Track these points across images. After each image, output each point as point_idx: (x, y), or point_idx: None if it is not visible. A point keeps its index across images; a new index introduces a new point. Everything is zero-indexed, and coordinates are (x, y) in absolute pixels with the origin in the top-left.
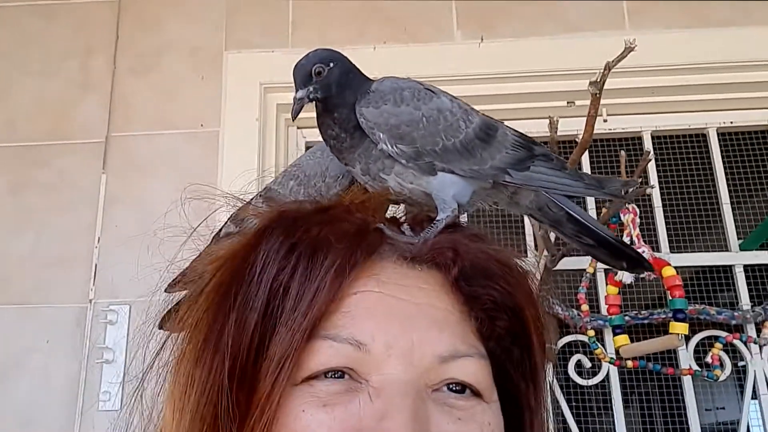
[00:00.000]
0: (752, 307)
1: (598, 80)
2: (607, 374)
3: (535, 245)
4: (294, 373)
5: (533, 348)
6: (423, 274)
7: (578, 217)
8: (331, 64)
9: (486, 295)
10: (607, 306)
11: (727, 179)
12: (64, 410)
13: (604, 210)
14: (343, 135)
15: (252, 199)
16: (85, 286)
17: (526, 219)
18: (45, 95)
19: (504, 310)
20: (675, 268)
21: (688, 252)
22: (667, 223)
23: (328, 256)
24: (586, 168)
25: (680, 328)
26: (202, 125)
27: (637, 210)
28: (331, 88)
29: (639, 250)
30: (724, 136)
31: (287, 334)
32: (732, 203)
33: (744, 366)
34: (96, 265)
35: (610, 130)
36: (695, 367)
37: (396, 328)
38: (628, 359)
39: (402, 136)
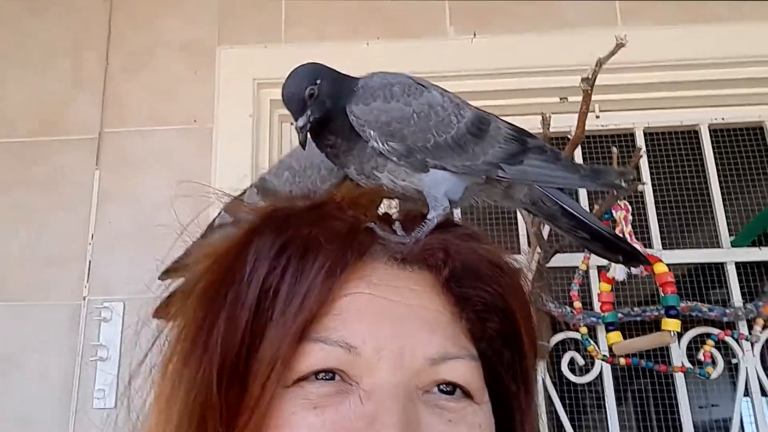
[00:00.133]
0: (744, 304)
1: (590, 76)
2: (600, 371)
3: (528, 242)
4: (284, 375)
5: (524, 350)
6: (414, 275)
7: (572, 210)
8: (318, 81)
9: (477, 296)
10: (600, 303)
11: (719, 176)
12: (58, 407)
13: (596, 207)
14: (340, 140)
15: (246, 189)
16: (79, 284)
17: (519, 215)
18: (38, 92)
19: (495, 311)
20: (667, 264)
21: (680, 249)
22: (659, 220)
23: (318, 257)
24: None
25: (672, 324)
26: (195, 121)
27: (630, 207)
28: (326, 103)
29: None
30: (715, 132)
31: (277, 336)
32: (723, 200)
33: (736, 363)
34: (90, 262)
35: (603, 126)
36: (687, 364)
37: (387, 330)
38: (621, 356)
39: (393, 134)
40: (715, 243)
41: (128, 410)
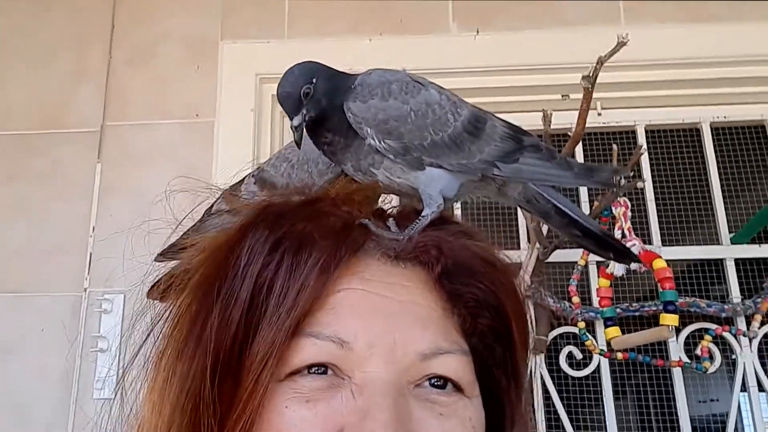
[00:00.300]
0: (743, 300)
1: (591, 74)
2: (598, 366)
3: (528, 237)
4: (277, 369)
5: (515, 345)
6: (407, 271)
7: (565, 209)
8: (314, 80)
9: (469, 293)
10: (598, 298)
11: (720, 173)
12: (58, 398)
13: (595, 203)
14: (337, 138)
15: (244, 178)
16: (79, 275)
17: (519, 211)
18: (41, 84)
19: (486, 308)
20: (666, 261)
21: (679, 245)
22: (659, 216)
23: (312, 252)
24: (580, 161)
25: (670, 319)
26: (197, 115)
27: (629, 203)
28: (321, 102)
29: (630, 243)
30: (717, 130)
31: (271, 331)
32: (724, 197)
33: (734, 359)
34: (91, 254)
35: (605, 123)
36: (685, 359)
37: (379, 326)
38: (619, 351)
39: (390, 131)
40: (714, 240)
41: (122, 403)
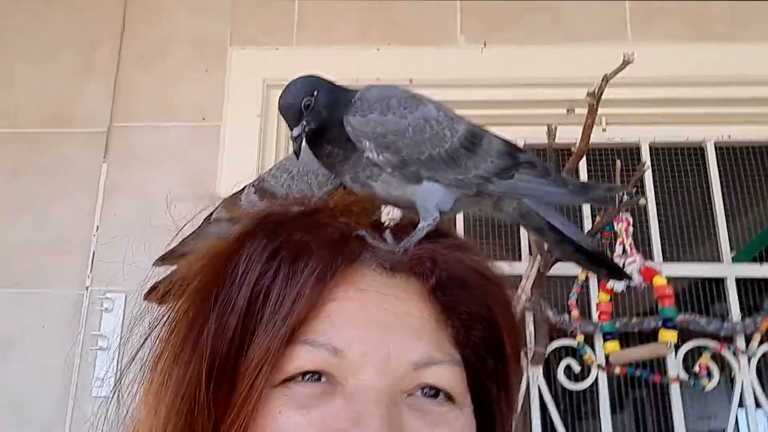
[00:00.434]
0: (743, 318)
1: (596, 91)
2: (596, 379)
3: (530, 250)
4: (272, 376)
5: (507, 357)
6: (402, 282)
7: (557, 225)
8: (315, 92)
9: (462, 305)
10: (598, 313)
11: (723, 192)
12: (57, 395)
13: (597, 218)
14: (336, 150)
15: (244, 188)
16: (82, 273)
17: None
18: (49, 83)
19: (479, 320)
20: (667, 278)
21: (681, 262)
22: (661, 233)
23: (309, 262)
24: (584, 177)
25: (669, 335)
26: (204, 119)
27: (630, 219)
28: (322, 114)
29: (630, 259)
30: (721, 149)
31: (266, 338)
32: (726, 216)
33: (732, 376)
34: (93, 253)
35: (609, 139)
36: (683, 375)
37: (374, 336)
38: (617, 365)
39: (388, 145)
40: (716, 258)
41: (118, 405)
